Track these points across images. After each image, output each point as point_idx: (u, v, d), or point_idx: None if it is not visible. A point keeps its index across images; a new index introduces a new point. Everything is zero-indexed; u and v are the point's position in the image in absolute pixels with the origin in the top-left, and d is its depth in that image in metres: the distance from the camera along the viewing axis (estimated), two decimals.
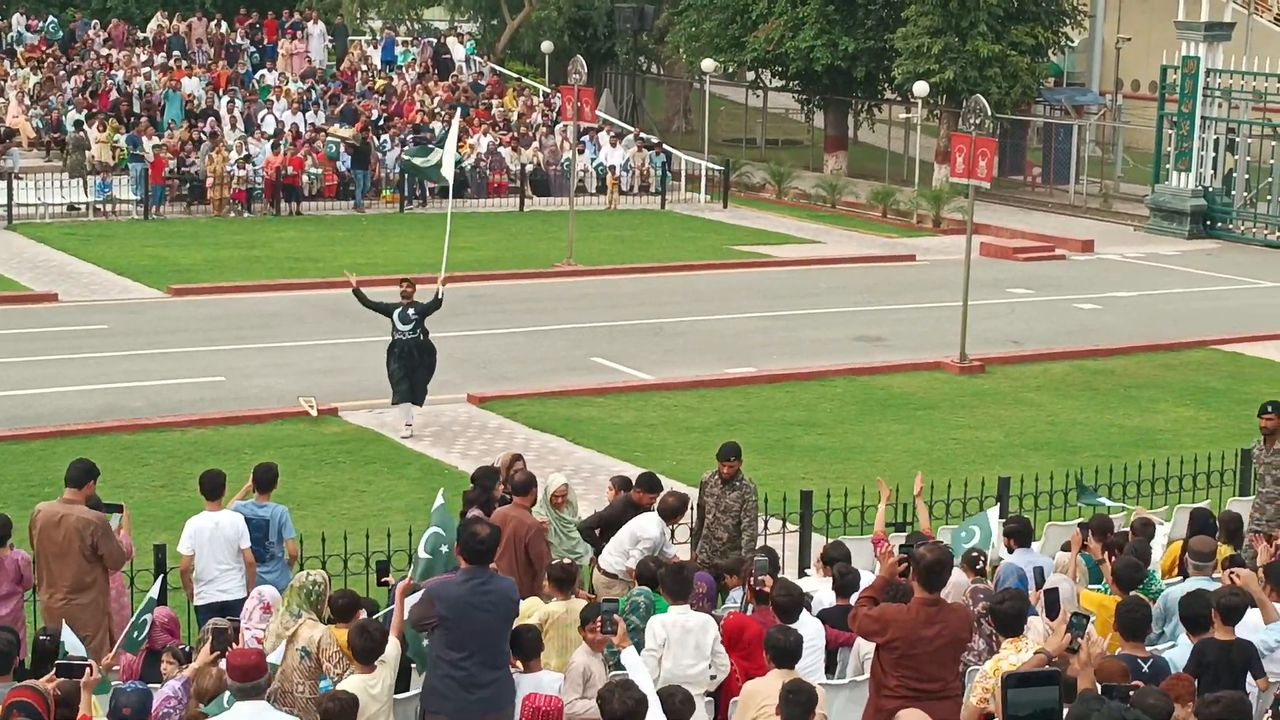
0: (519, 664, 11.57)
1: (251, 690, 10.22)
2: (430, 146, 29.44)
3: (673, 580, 12.57)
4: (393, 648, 11.28)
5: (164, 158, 42.00)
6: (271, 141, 43.55)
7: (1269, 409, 17.47)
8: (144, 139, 42.30)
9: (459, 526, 12.38)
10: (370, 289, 23.84)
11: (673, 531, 16.08)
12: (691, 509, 16.63)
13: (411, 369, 23.49)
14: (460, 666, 11.10)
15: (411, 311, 23.30)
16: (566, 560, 13.96)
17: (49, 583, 14.23)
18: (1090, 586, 14.31)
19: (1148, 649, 11.57)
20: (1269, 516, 17.16)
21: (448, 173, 25.18)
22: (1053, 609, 11.91)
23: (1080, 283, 38.26)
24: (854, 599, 12.83)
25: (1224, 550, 14.41)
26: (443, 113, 48.64)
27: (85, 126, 43.47)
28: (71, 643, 12.66)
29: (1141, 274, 39.76)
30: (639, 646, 11.86)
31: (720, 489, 16.44)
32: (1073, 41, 54.65)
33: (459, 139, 26.48)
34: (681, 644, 12.21)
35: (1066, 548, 15.00)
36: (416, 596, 11.63)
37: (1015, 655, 11.02)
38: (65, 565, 14.11)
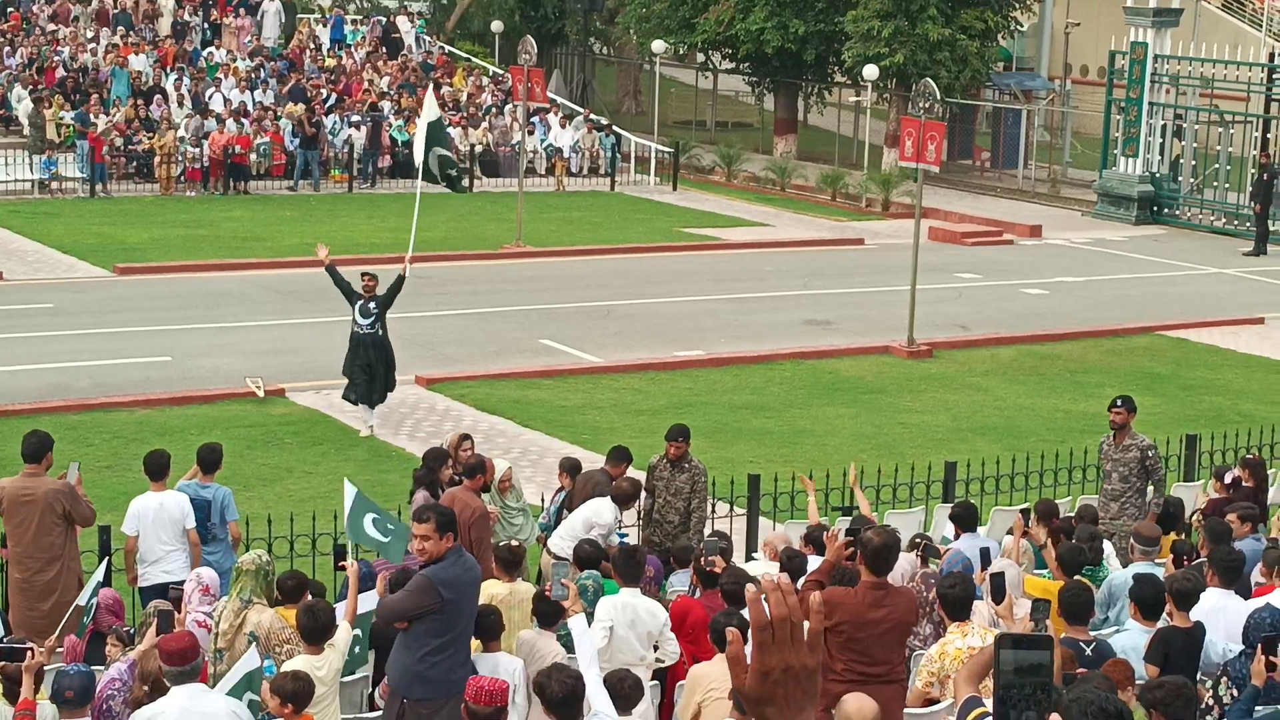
0: (479, 644, 11.56)
1: (188, 673, 10.17)
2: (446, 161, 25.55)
3: (625, 563, 12.58)
4: (343, 632, 11.23)
5: (106, 137, 41.67)
6: (219, 119, 43.29)
7: (1118, 403, 17.13)
8: (93, 116, 42.04)
9: (436, 509, 12.36)
10: (322, 269, 23.28)
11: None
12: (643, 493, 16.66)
13: (369, 368, 22.80)
14: (450, 649, 11.02)
15: (372, 305, 22.58)
16: (514, 543, 13.96)
17: (21, 559, 14.25)
18: (1035, 572, 14.37)
19: (1091, 633, 11.64)
20: (1112, 515, 16.79)
21: (420, 153, 24.43)
22: (998, 593, 11.97)
23: (1028, 267, 38.41)
24: (801, 583, 12.85)
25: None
26: (392, 92, 48.49)
27: (40, 103, 43.01)
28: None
29: (1088, 259, 39.94)
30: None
31: (670, 471, 16.44)
32: (1022, 26, 54.85)
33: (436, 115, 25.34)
34: (631, 629, 12.20)
35: (1011, 533, 15.08)
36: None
37: (961, 639, 11.07)
38: (38, 539, 14.17)
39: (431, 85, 30.38)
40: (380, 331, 22.81)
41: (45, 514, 14.19)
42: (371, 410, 23.20)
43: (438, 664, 11.00)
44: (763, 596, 3.85)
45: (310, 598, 11.98)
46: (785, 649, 3.82)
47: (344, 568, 13.11)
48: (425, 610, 10.96)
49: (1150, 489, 16.90)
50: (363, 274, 22.97)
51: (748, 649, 3.88)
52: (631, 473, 16.71)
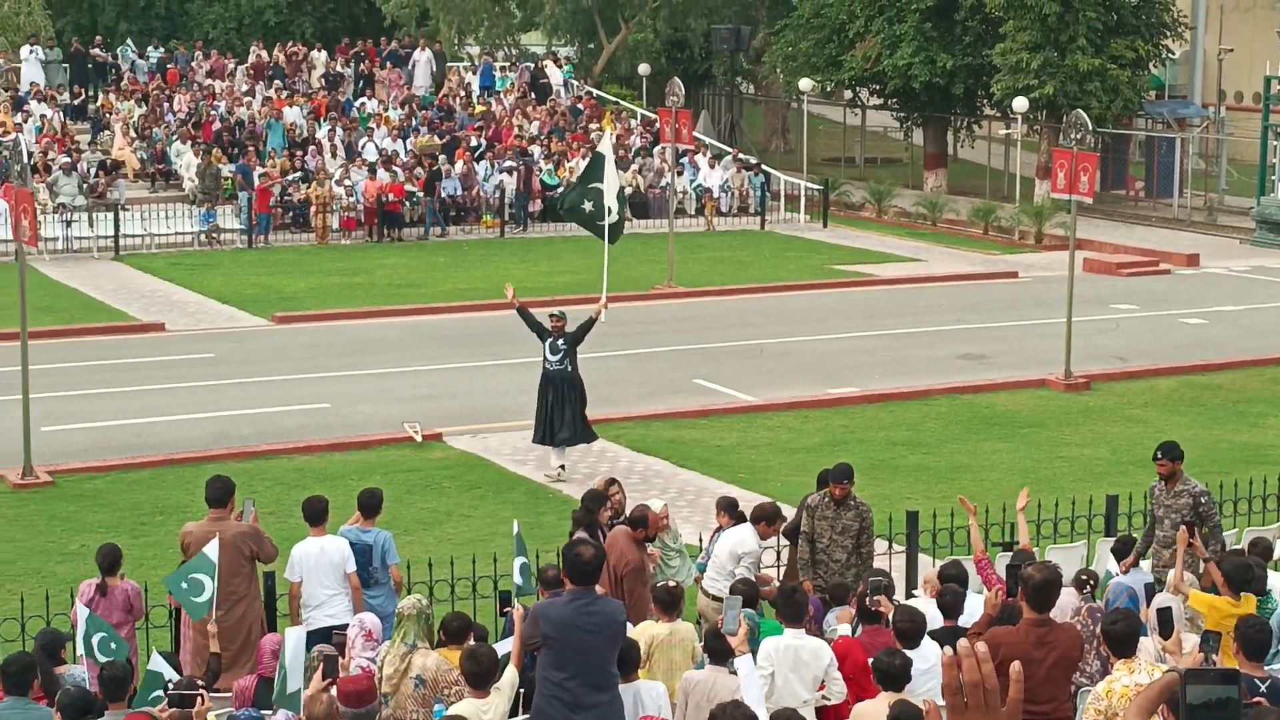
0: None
1: (364, 715, 10.28)
2: (591, 188, 25.21)
3: (786, 603, 12.50)
4: (509, 675, 11.29)
5: (268, 187, 42.48)
6: (371, 168, 43.89)
7: (1159, 455, 16.50)
8: (252, 168, 42.86)
9: (564, 548, 12.42)
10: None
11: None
12: (800, 530, 16.59)
13: (559, 405, 22.97)
14: (564, 687, 11.08)
15: (561, 342, 22.91)
16: (671, 583, 13.92)
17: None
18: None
19: (1265, 669, 11.40)
20: (1164, 561, 16.09)
21: (612, 205, 24.72)
22: (1166, 628, 11.77)
23: (1185, 297, 37.86)
24: (961, 620, 12.76)
25: None
26: (542, 137, 48.89)
27: (207, 156, 43.72)
28: (168, 672, 12.82)
29: (1248, 287, 39.30)
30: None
31: (834, 510, 16.34)
32: (1173, 54, 54.16)
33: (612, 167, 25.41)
34: (793, 671, 12.11)
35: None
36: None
37: (1129, 676, 10.88)
38: (227, 581, 14.47)
39: (609, 134, 30.69)
40: (570, 368, 23.04)
41: (234, 557, 14.52)
42: (559, 451, 23.33)
43: (550, 699, 11.07)
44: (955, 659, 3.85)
45: (474, 640, 12.06)
46: (979, 714, 3.83)
47: (508, 612, 13.17)
48: (529, 641, 11.26)
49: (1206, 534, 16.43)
50: (551, 314, 23.26)
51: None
52: (786, 510, 16.64)
